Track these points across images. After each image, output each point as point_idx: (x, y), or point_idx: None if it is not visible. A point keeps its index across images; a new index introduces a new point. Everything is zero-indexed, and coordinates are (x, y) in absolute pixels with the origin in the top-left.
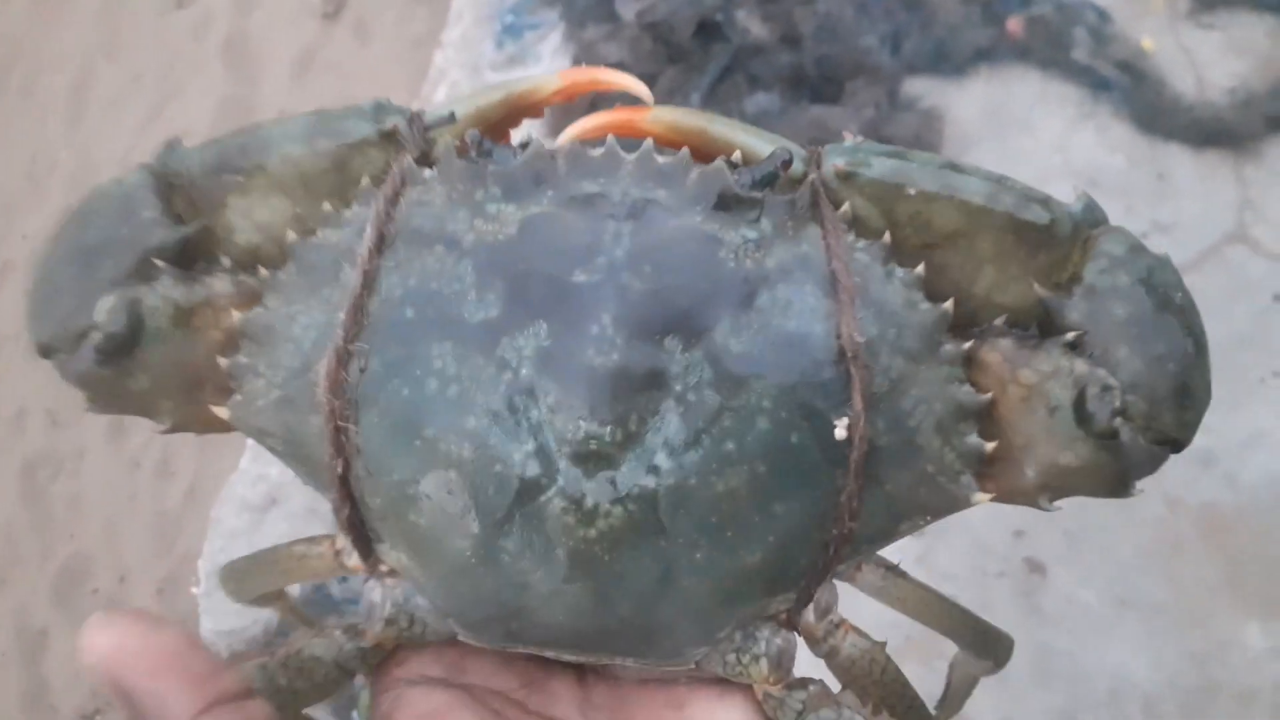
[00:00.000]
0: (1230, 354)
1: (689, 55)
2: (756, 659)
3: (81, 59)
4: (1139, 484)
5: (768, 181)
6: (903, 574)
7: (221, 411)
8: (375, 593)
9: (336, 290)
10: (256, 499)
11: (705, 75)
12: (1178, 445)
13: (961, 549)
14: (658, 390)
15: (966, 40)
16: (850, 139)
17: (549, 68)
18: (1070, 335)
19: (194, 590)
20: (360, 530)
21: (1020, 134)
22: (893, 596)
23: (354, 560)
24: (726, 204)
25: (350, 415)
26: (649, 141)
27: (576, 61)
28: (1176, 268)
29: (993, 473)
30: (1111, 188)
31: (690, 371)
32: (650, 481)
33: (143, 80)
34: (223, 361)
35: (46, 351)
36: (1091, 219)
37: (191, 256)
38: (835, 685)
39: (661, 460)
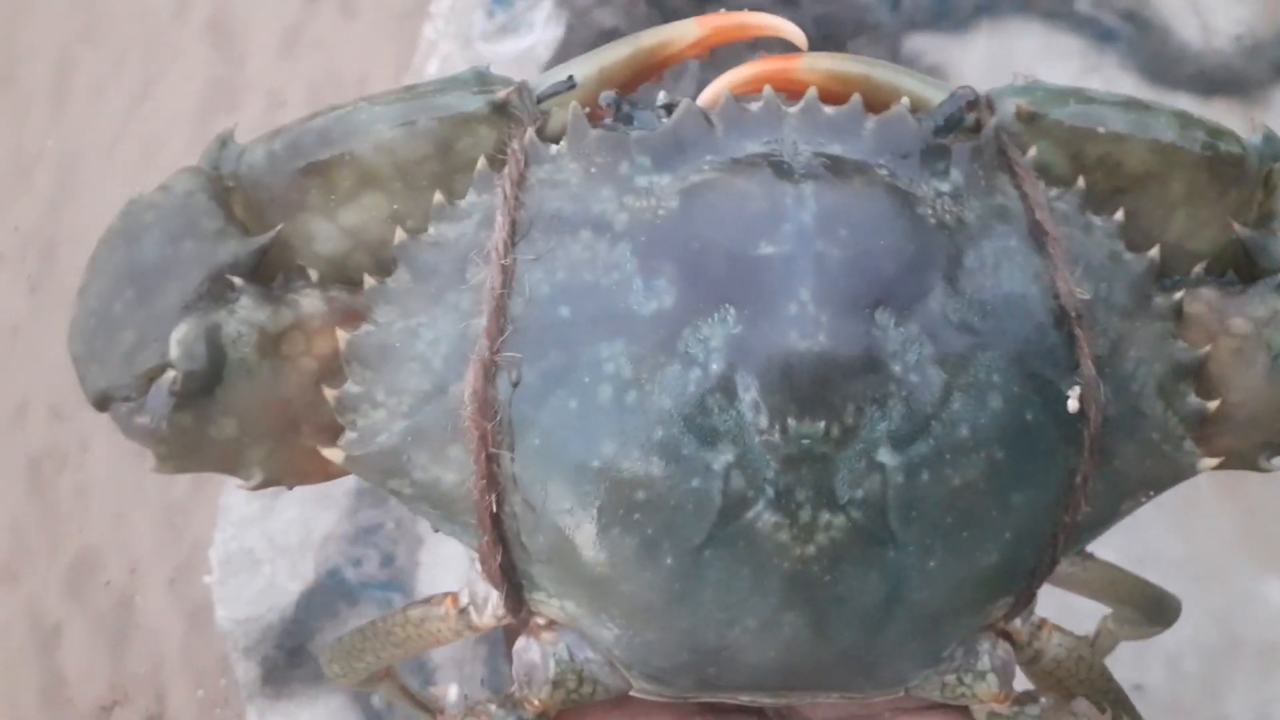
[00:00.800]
0: None
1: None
2: (982, 676)
3: (61, 45)
4: None
5: (953, 126)
6: (1091, 555)
7: (333, 454)
8: (533, 652)
9: (466, 294)
10: None
11: None
12: None
13: None
14: (874, 374)
15: None
16: (1020, 79)
17: (542, 36)
18: None
19: (206, 579)
20: (513, 580)
21: None
22: (1080, 581)
23: (486, 617)
24: (912, 154)
25: (503, 440)
26: (813, 90)
27: (570, 28)
28: None
29: (1209, 434)
30: None
31: (908, 348)
32: (876, 482)
33: (125, 64)
34: (329, 393)
35: (104, 402)
36: (1274, 151)
37: (266, 273)
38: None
39: (886, 456)
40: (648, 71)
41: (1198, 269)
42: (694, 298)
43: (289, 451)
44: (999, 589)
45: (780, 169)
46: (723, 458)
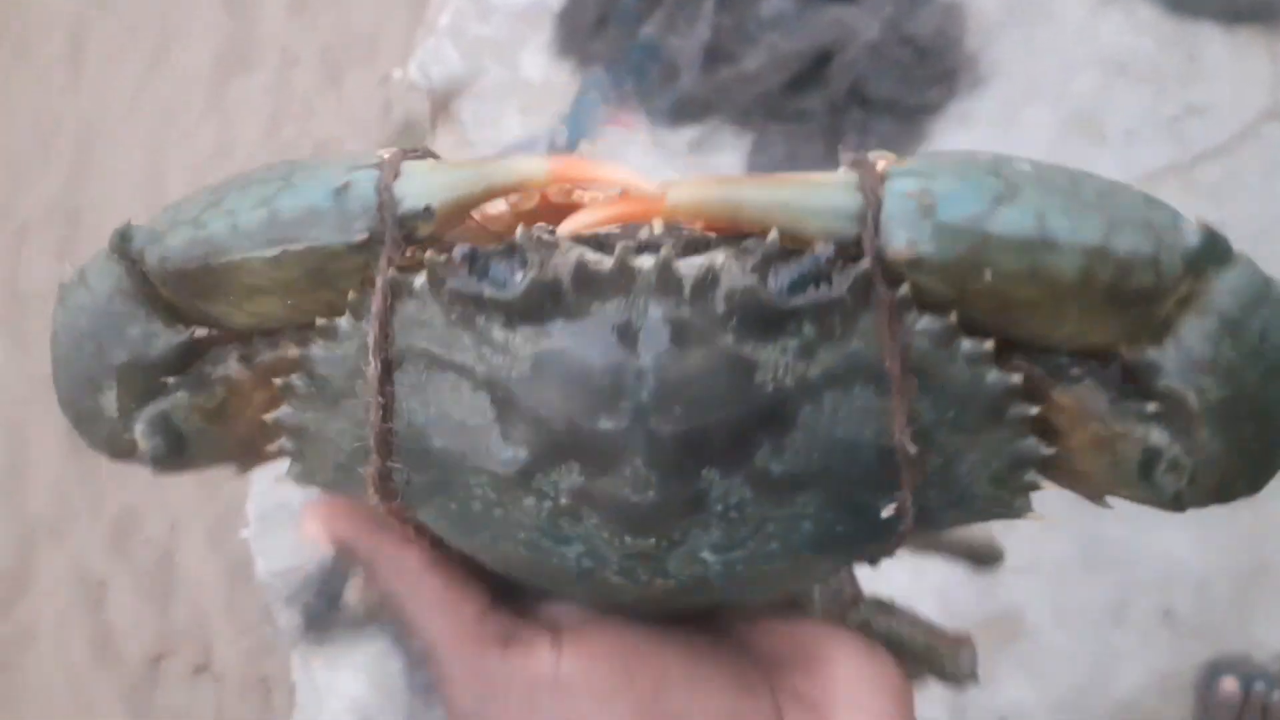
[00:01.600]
0: (1272, 232)
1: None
2: (811, 600)
3: (75, 14)
4: None
5: (808, 282)
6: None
7: (287, 469)
8: None
9: (358, 406)
10: None
11: None
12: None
13: None
14: (698, 511)
15: None
16: (913, 197)
17: None
18: (1151, 408)
19: (244, 533)
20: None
21: (1045, 23)
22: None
23: None
24: (761, 318)
25: (409, 510)
26: (666, 251)
27: None
28: None
29: (1056, 478)
30: (1141, 72)
31: (730, 494)
32: (699, 569)
33: (140, 30)
34: (270, 449)
35: (115, 459)
36: (1210, 256)
37: (198, 345)
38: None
39: (708, 556)
40: (503, 197)
41: (1076, 369)
42: (542, 454)
43: (260, 458)
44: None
45: (625, 338)
46: (575, 550)
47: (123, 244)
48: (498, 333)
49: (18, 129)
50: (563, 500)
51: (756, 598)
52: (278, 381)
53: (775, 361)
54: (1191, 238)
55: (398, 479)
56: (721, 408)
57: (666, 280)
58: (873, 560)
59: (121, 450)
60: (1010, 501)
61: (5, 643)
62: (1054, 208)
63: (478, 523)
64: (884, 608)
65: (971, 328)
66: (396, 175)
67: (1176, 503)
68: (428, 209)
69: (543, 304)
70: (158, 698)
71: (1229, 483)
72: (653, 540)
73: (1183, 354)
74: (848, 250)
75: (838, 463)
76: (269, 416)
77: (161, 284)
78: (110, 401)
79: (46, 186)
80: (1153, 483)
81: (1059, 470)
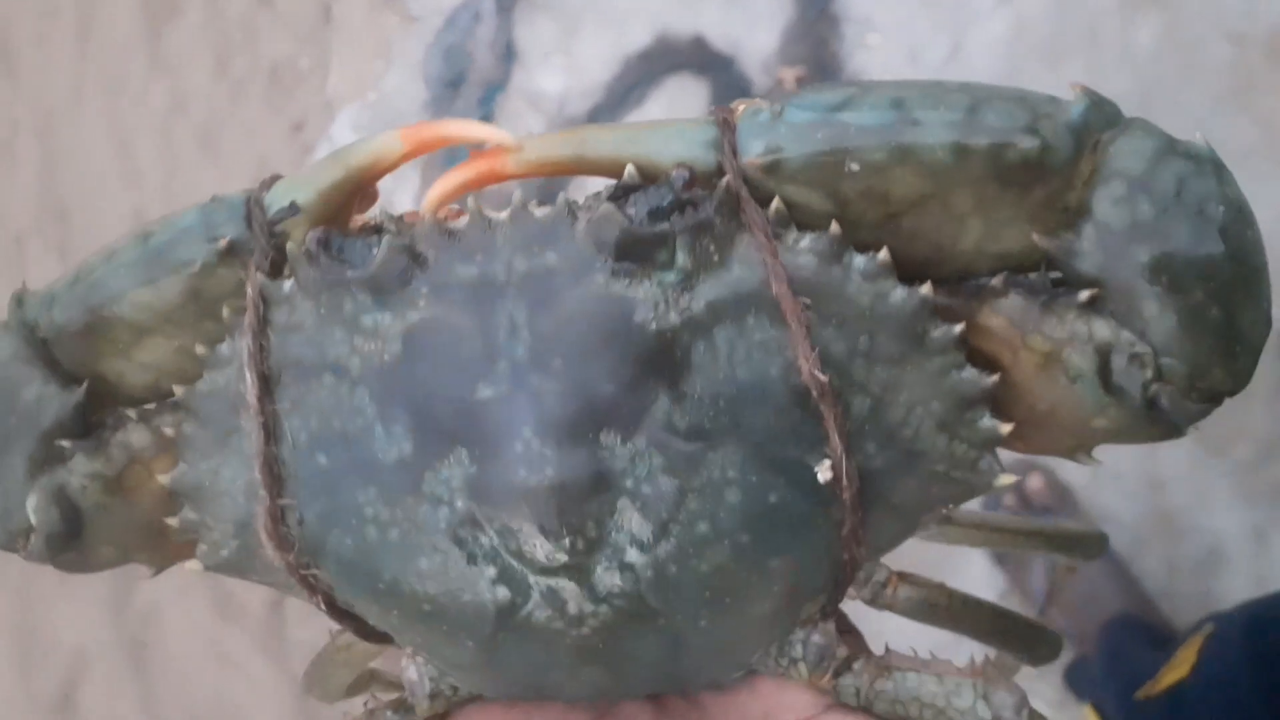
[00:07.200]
0: None
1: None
2: (795, 663)
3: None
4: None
5: (670, 210)
6: (947, 518)
7: (192, 564)
8: (411, 671)
9: (244, 439)
10: None
11: None
12: (1233, 393)
13: None
14: (607, 491)
15: None
16: (788, 77)
17: None
18: (1085, 295)
19: None
20: (375, 635)
21: None
22: (954, 538)
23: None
24: (629, 250)
25: (309, 562)
26: (518, 195)
27: None
28: (1216, 156)
29: (1025, 433)
30: None
31: (637, 463)
32: (629, 579)
33: (59, 8)
34: (170, 522)
35: (5, 548)
36: (1099, 121)
37: (97, 408)
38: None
39: (634, 556)
40: (366, 184)
41: (996, 281)
42: (427, 444)
43: (166, 549)
44: (796, 608)
45: (494, 293)
46: (486, 574)
47: (18, 310)
48: (366, 317)
49: None
50: (458, 503)
51: (716, 649)
52: (169, 432)
53: (654, 298)
54: (1073, 108)
55: (291, 520)
56: (604, 354)
57: (524, 222)
58: (841, 570)
59: (15, 532)
60: (973, 461)
61: None
62: (912, 95)
63: (378, 557)
64: (888, 665)
65: (866, 249)
66: (267, 190)
67: (1161, 415)
68: (293, 204)
69: (404, 272)
70: None
71: (1203, 367)
72: (566, 542)
73: (1099, 227)
74: (711, 182)
75: (748, 409)
76: (164, 478)
77: (57, 346)
78: (7, 478)
79: (26, 189)
80: (1119, 389)
81: (1022, 425)
